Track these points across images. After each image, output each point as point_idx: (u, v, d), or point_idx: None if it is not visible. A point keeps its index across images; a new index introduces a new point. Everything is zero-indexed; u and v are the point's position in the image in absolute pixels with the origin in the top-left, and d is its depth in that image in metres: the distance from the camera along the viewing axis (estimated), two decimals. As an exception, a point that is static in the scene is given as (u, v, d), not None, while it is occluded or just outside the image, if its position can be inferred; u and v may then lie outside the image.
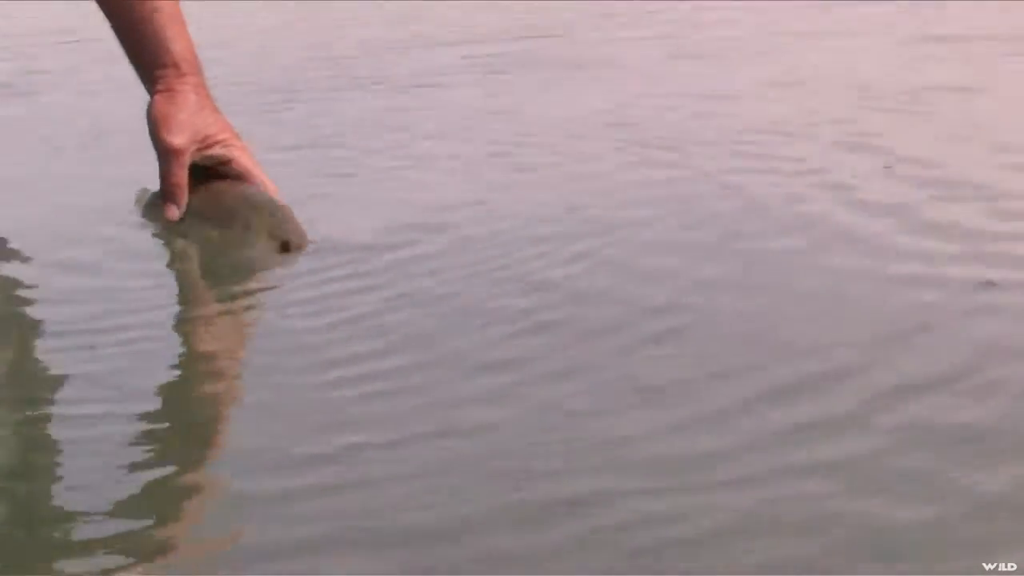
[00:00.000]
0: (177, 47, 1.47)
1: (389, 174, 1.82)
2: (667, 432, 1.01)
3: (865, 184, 1.66)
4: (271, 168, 1.84)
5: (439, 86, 2.48)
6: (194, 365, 1.21)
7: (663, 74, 2.52)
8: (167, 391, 1.14)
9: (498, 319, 1.24)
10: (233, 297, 1.36)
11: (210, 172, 1.51)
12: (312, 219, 1.55)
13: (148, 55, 1.48)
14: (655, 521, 0.89)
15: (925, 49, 2.62)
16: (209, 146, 1.49)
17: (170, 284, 1.42)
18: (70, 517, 0.93)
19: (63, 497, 0.96)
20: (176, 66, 1.47)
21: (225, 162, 1.50)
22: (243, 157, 1.51)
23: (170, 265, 1.46)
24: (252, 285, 1.39)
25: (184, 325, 1.30)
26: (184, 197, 1.49)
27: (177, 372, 1.19)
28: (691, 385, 1.09)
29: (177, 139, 1.47)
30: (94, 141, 2.04)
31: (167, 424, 1.08)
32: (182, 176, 1.48)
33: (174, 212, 1.49)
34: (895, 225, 1.48)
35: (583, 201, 1.61)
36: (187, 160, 1.48)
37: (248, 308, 1.33)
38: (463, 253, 1.43)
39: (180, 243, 1.49)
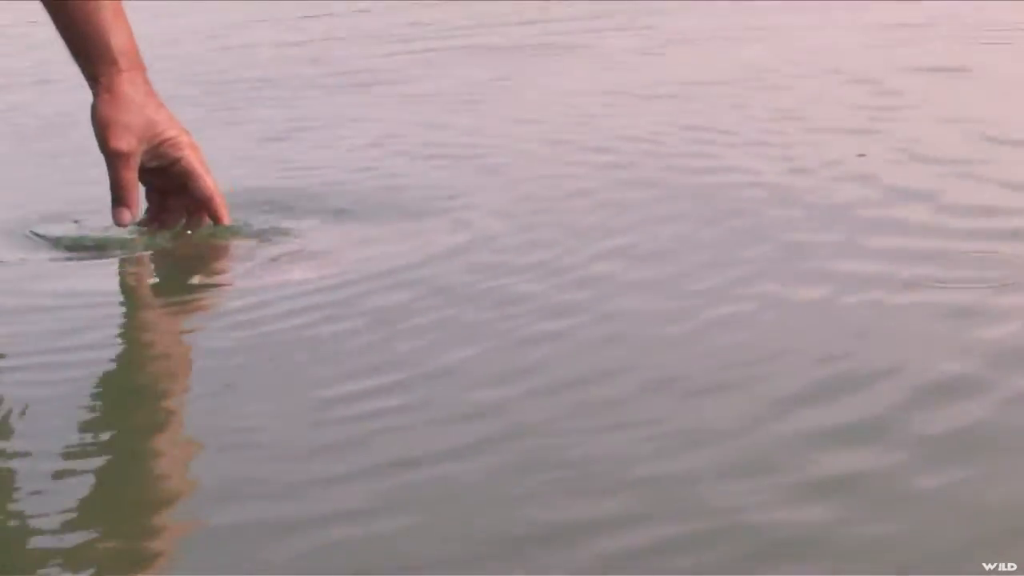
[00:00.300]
0: (117, 43, 1.44)
1: (362, 173, 1.78)
2: (676, 452, 0.96)
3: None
4: (238, 163, 1.84)
5: (416, 79, 2.46)
6: (150, 393, 1.16)
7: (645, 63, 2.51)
8: (123, 422, 1.09)
9: (493, 335, 1.19)
10: (186, 315, 1.33)
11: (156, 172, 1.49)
12: (275, 224, 1.53)
13: (89, 53, 1.45)
14: (665, 549, 0.84)
15: (897, 34, 2.60)
16: (157, 145, 1.46)
17: (118, 305, 1.38)
18: (25, 559, 0.87)
19: (17, 539, 0.90)
20: (115, 63, 1.44)
21: (173, 162, 1.47)
22: (191, 157, 1.47)
23: (117, 285, 1.42)
24: (205, 302, 1.35)
25: (136, 350, 1.25)
26: (136, 199, 1.46)
27: (133, 402, 1.14)
28: (693, 402, 1.04)
29: (123, 143, 1.44)
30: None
31: (126, 458, 1.02)
32: (131, 179, 1.46)
33: (126, 215, 1.46)
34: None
35: (575, 209, 1.56)
36: (136, 162, 1.46)
37: (202, 328, 1.29)
38: (444, 267, 1.38)
39: (126, 261, 1.46)
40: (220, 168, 1.73)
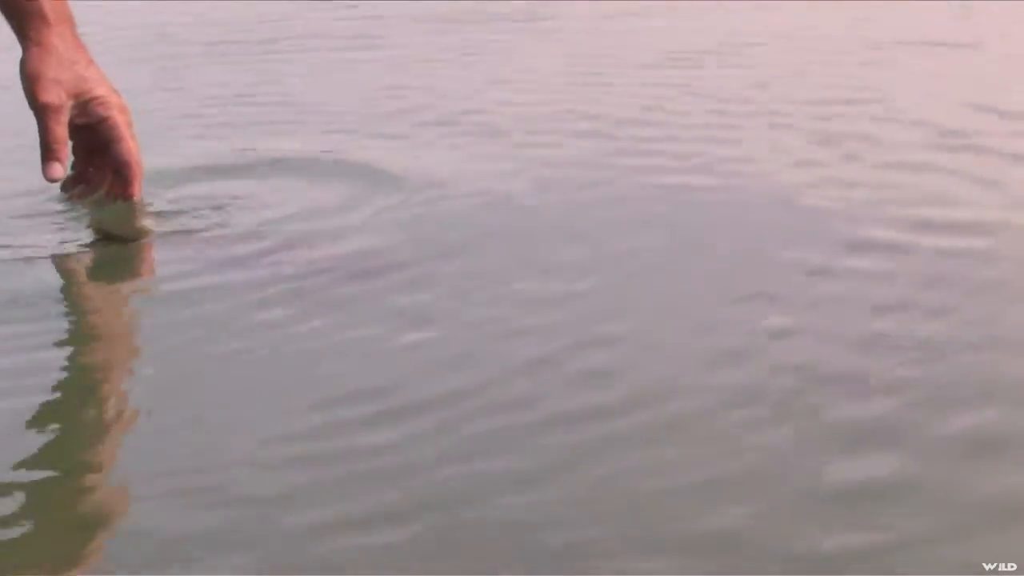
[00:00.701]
0: None
1: (319, 143, 1.69)
2: (676, 498, 0.87)
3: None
4: (187, 130, 1.78)
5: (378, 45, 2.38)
6: (82, 429, 1.01)
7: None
8: (51, 453, 0.96)
9: (481, 359, 1.07)
10: (130, 321, 1.24)
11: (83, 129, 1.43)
12: (223, 203, 1.46)
13: (18, 8, 1.43)
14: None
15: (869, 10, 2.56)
16: (86, 102, 1.43)
17: (52, 308, 1.26)
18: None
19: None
20: (44, 17, 1.42)
21: (100, 120, 1.44)
22: (118, 118, 1.44)
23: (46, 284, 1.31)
24: (152, 308, 1.25)
25: (74, 363, 1.14)
26: (65, 152, 1.43)
27: (64, 430, 1.00)
28: (697, 442, 0.94)
29: (52, 95, 1.41)
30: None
31: (56, 495, 0.91)
32: (61, 132, 1.42)
33: (57, 169, 1.42)
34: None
35: (559, 203, 1.45)
36: (66, 116, 1.42)
37: (150, 339, 1.17)
38: (414, 269, 1.27)
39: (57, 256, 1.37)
40: (167, 135, 1.71)
